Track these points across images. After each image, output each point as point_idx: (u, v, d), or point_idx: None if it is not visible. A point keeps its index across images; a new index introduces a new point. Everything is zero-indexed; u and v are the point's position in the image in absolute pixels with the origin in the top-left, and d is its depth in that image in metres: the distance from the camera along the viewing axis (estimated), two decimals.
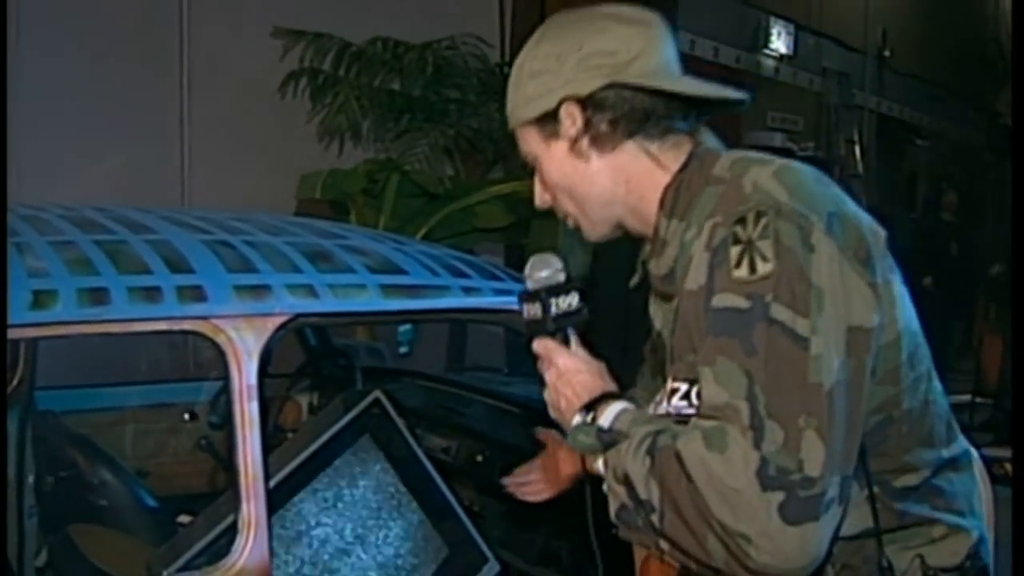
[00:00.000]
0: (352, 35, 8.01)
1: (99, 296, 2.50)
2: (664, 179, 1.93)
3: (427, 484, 3.17)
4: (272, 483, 2.71)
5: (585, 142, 1.93)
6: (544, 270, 2.01)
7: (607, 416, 1.88)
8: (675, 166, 1.93)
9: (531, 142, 1.99)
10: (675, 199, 1.91)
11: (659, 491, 1.70)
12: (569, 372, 1.96)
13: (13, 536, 3.91)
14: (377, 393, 3.14)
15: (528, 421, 3.89)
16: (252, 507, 2.58)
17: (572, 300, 2.00)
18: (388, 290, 2.85)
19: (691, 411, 1.78)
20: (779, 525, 1.59)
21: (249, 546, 2.57)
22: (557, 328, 1.99)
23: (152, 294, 2.56)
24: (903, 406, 1.82)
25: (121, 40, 7.46)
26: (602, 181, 1.95)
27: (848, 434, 1.67)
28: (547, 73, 1.93)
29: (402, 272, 2.92)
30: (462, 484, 3.61)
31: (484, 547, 3.19)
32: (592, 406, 1.91)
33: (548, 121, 1.94)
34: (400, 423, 3.17)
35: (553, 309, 1.98)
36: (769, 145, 10.71)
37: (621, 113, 1.90)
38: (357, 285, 2.82)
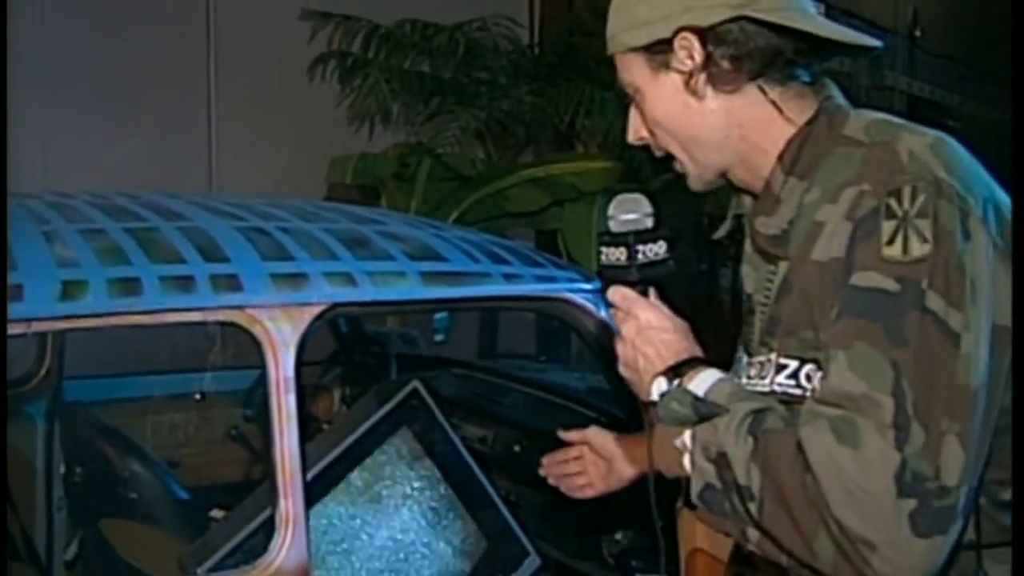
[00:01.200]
0: (381, 17, 7.94)
1: (131, 286, 2.43)
2: (787, 131, 1.77)
3: (467, 476, 3.10)
4: (309, 477, 2.64)
5: (702, 79, 1.76)
6: (632, 212, 1.88)
7: (700, 384, 1.74)
8: (800, 119, 1.77)
9: (634, 71, 1.82)
10: (797, 155, 1.75)
11: (762, 478, 1.57)
12: (653, 328, 1.82)
13: (42, 529, 3.87)
14: (415, 383, 3.07)
15: (567, 410, 3.83)
16: (290, 503, 2.51)
17: (660, 248, 1.87)
18: (428, 278, 2.76)
19: (798, 392, 1.66)
20: (908, 536, 1.47)
21: (287, 544, 2.50)
22: (641, 278, 1.86)
23: (185, 283, 2.49)
24: None
25: (148, 24, 7.44)
26: (715, 123, 1.79)
27: (982, 441, 1.55)
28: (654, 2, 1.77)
29: (442, 259, 2.84)
30: (500, 475, 3.54)
31: (525, 540, 3.12)
32: (679, 369, 1.77)
33: (659, 50, 1.77)
34: (438, 414, 3.09)
35: (640, 256, 1.85)
36: None
37: (746, 50, 1.73)
38: (396, 273, 2.73)
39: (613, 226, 1.88)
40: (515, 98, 7.83)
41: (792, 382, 1.68)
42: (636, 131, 1.89)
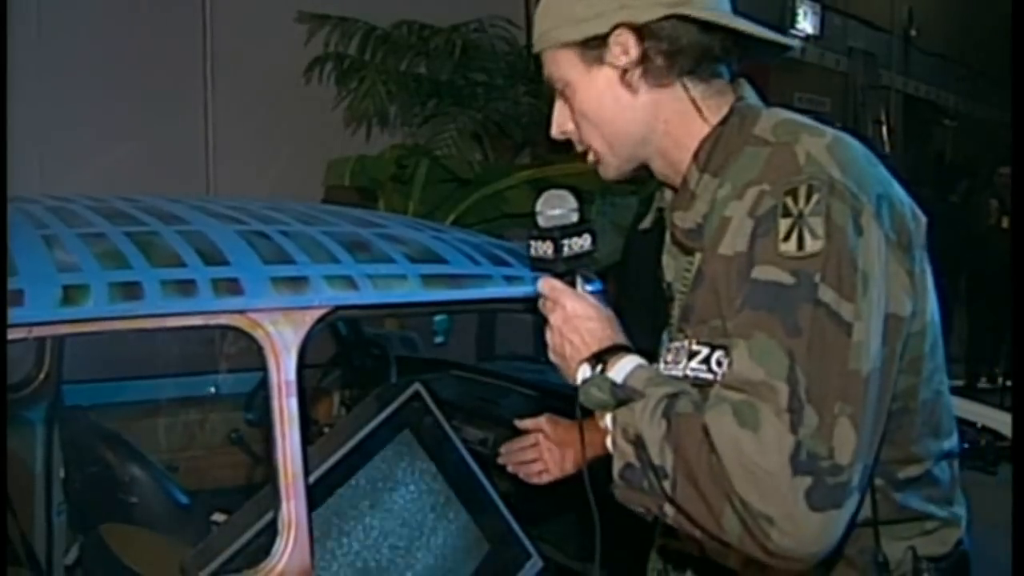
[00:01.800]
0: (378, 19, 7.96)
1: (131, 290, 2.42)
2: (702, 129, 1.86)
3: (469, 479, 3.09)
4: (311, 480, 2.63)
5: (637, 73, 1.83)
6: (557, 208, 1.93)
7: (619, 370, 1.81)
8: (715, 117, 1.86)
9: (565, 66, 1.88)
10: (710, 153, 1.84)
11: (674, 458, 1.65)
12: (578, 317, 1.88)
13: (42, 534, 3.86)
14: (417, 386, 3.06)
15: (567, 411, 3.82)
16: (292, 507, 2.50)
17: (585, 242, 1.93)
18: (429, 280, 2.76)
19: (709, 376, 1.74)
20: (804, 510, 1.55)
21: (290, 548, 2.49)
22: (567, 269, 1.92)
23: (186, 287, 2.48)
24: (919, 396, 1.79)
25: (144, 27, 7.43)
26: (643, 117, 1.87)
27: (876, 423, 1.65)
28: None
29: (442, 261, 2.84)
30: (500, 477, 3.53)
31: (527, 543, 3.10)
32: (601, 356, 1.84)
33: (594, 46, 1.84)
34: (440, 416, 3.08)
35: (565, 250, 1.91)
36: None
37: (679, 47, 1.82)
38: (397, 276, 2.73)
39: (541, 221, 1.93)
40: (512, 99, 7.86)
41: (704, 367, 1.77)
42: (561, 125, 1.96)
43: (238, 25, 7.83)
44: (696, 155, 1.85)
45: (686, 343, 1.82)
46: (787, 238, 1.63)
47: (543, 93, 7.49)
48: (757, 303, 1.64)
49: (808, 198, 1.64)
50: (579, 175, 7.13)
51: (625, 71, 1.83)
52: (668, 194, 1.98)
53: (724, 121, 1.85)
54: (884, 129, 16.07)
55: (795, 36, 14.34)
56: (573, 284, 1.92)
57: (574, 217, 1.93)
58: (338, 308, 2.64)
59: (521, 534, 3.12)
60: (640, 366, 1.81)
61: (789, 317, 1.60)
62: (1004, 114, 20.79)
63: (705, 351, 1.77)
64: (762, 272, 1.65)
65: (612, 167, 1.95)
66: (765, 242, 1.66)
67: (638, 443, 1.70)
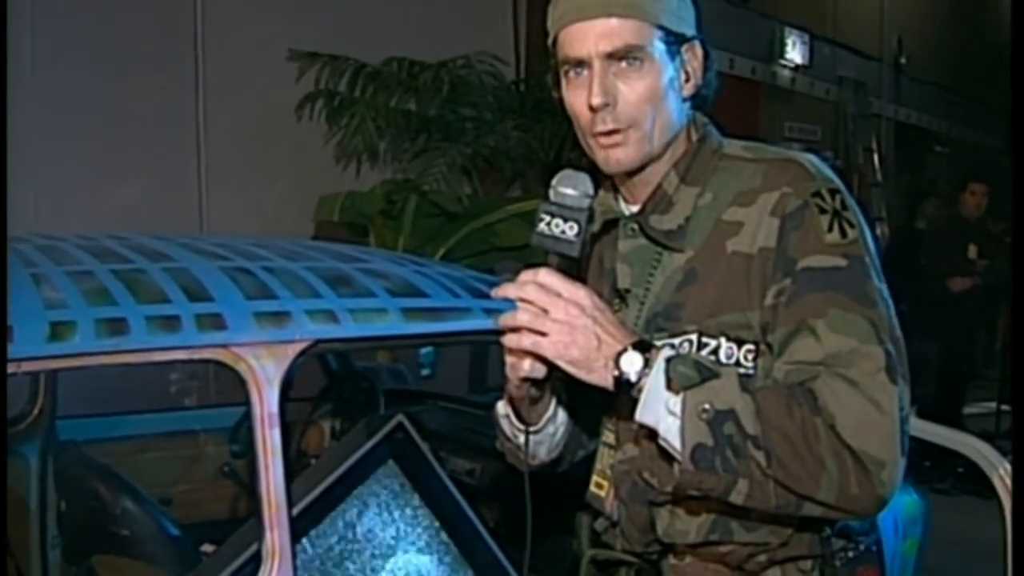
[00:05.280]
0: (367, 56, 8.01)
1: (117, 326, 2.47)
2: (683, 145, 2.04)
3: (453, 508, 3.12)
4: (295, 511, 2.68)
5: (690, 83, 2.01)
6: (573, 188, 1.89)
7: (665, 356, 1.84)
8: (693, 137, 2.06)
9: (646, 41, 1.93)
10: (689, 166, 2.02)
11: (764, 428, 1.76)
12: (602, 308, 1.86)
13: (36, 566, 3.90)
14: (400, 417, 3.09)
15: None
16: (276, 536, 2.55)
17: (593, 228, 2.01)
18: (409, 313, 2.81)
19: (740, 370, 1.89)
20: (900, 456, 1.77)
21: (274, 575, 2.54)
22: (581, 254, 1.89)
23: (171, 323, 2.53)
24: None
25: (137, 65, 7.45)
26: (680, 120, 2.02)
27: None
28: (688, 6, 2.01)
29: (423, 295, 2.89)
30: (488, 507, 3.57)
31: (512, 572, 3.14)
32: (643, 344, 1.84)
33: (674, 41, 1.96)
34: (424, 447, 3.12)
35: (585, 233, 1.87)
36: None
37: (708, 70, 2.04)
38: (378, 309, 2.78)
39: (569, 200, 1.88)
40: (501, 134, 7.92)
41: (712, 358, 1.90)
42: (606, 94, 1.92)
43: (229, 63, 7.86)
44: (676, 165, 2.02)
45: (694, 337, 1.93)
46: (831, 229, 1.86)
47: (532, 127, 7.59)
48: (821, 286, 1.83)
49: (833, 197, 1.89)
50: None
51: (688, 76, 2.00)
52: (620, 207, 2.10)
53: (701, 140, 2.05)
54: (875, 157, 16.10)
55: (784, 66, 14.43)
56: (568, 274, 1.86)
57: (587, 203, 1.89)
58: (319, 341, 2.69)
59: (506, 562, 3.15)
60: (694, 353, 1.92)
61: (859, 291, 1.84)
62: (996, 139, 20.88)
63: (713, 343, 1.92)
64: (815, 260, 1.85)
65: (632, 154, 1.97)
66: (801, 235, 1.87)
67: (718, 420, 1.77)
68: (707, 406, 1.77)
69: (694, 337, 1.93)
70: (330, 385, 4.61)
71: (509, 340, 1.89)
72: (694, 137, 2.05)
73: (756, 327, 1.89)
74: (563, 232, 1.86)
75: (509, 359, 1.93)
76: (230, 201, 7.78)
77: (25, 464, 3.97)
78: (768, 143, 2.08)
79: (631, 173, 2.02)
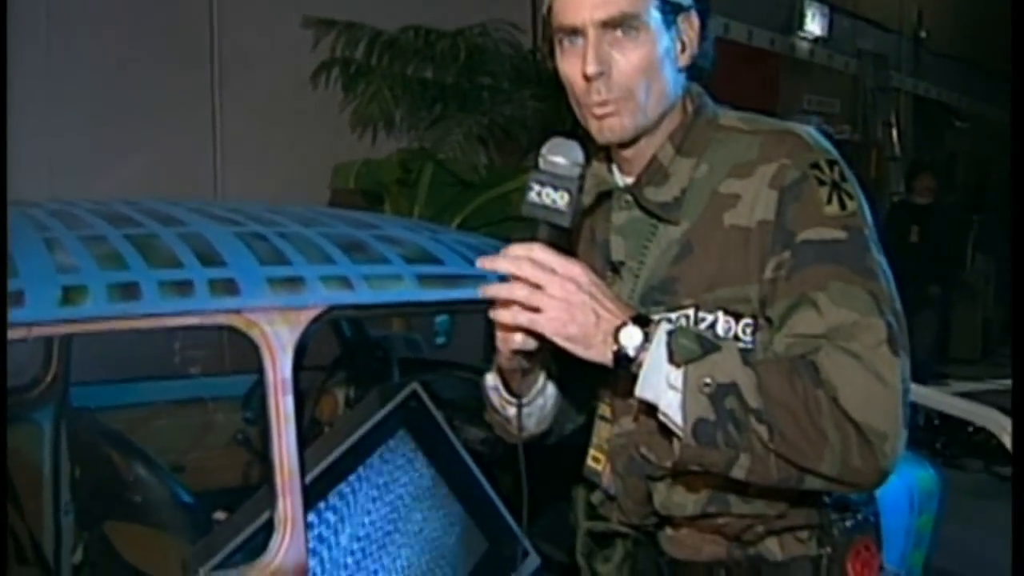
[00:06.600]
0: (383, 23, 7.96)
1: (129, 291, 2.46)
2: (678, 116, 2.00)
3: (466, 477, 3.11)
4: (308, 479, 2.66)
5: (686, 52, 1.97)
6: (563, 156, 1.82)
7: (667, 328, 1.81)
8: (688, 108, 2.02)
9: (643, 10, 1.88)
10: (685, 137, 1.98)
11: (766, 401, 1.74)
12: (598, 284, 1.80)
13: (50, 533, 3.90)
14: (414, 385, 3.08)
15: None
16: (288, 503, 2.54)
17: (588, 201, 2.00)
18: (424, 280, 2.79)
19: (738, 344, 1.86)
20: (902, 427, 1.76)
21: (286, 543, 2.53)
22: (571, 226, 1.81)
23: (183, 288, 2.51)
24: None
25: (151, 34, 7.44)
26: (676, 91, 1.98)
27: None
28: None
29: (438, 262, 2.87)
30: (502, 476, 3.55)
31: (525, 540, 3.13)
32: (642, 318, 1.80)
33: (670, 11, 1.92)
34: (438, 416, 3.10)
35: (576, 202, 1.81)
36: None
37: (705, 40, 2.00)
38: (393, 276, 2.76)
39: (560, 168, 1.82)
40: (518, 103, 7.85)
41: (710, 332, 1.88)
42: (602, 63, 1.88)
43: (245, 31, 7.83)
44: (671, 136, 1.98)
45: (691, 311, 1.90)
46: (830, 201, 1.84)
47: (549, 96, 7.55)
48: (821, 258, 1.81)
49: (831, 169, 1.87)
50: None
51: (684, 46, 1.96)
52: (616, 178, 2.05)
53: (696, 112, 2.01)
54: (894, 131, 16.03)
55: (803, 38, 14.35)
56: (558, 245, 1.80)
57: (577, 172, 1.81)
58: (333, 308, 2.67)
59: (519, 532, 3.14)
60: (682, 327, 1.87)
61: (859, 263, 1.82)
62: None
63: (711, 318, 1.89)
64: (814, 233, 1.83)
65: (626, 124, 1.92)
66: (799, 207, 1.84)
67: (720, 394, 1.74)
68: (708, 380, 1.75)
69: (691, 311, 1.90)
70: (344, 354, 4.60)
71: (503, 315, 1.81)
72: (689, 108, 2.01)
73: (754, 301, 1.87)
74: (554, 202, 1.80)
75: (500, 332, 1.89)
76: (246, 169, 7.77)
77: (38, 430, 3.98)
78: (786, 116, 2.07)
79: (625, 144, 1.98)
